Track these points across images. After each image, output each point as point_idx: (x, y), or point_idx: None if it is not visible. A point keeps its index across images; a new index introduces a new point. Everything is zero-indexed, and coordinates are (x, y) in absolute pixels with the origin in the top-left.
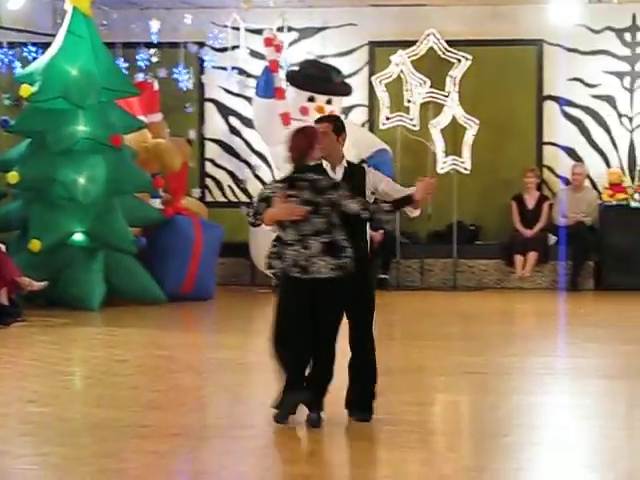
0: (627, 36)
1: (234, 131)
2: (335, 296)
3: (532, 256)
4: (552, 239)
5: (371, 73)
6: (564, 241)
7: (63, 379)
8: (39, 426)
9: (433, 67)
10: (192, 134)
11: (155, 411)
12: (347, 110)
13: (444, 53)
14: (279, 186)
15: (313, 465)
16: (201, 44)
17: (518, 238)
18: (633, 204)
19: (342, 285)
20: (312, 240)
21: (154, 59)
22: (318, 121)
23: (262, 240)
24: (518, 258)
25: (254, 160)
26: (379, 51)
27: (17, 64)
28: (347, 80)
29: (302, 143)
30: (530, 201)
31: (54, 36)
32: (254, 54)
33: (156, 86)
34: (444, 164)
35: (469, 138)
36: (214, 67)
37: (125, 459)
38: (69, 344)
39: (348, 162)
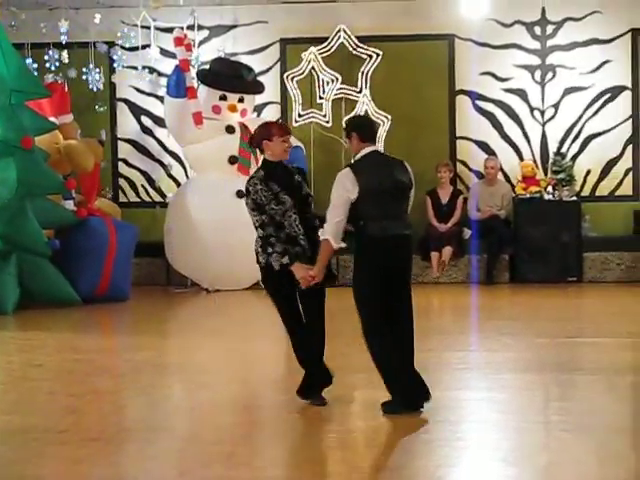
0: (537, 29)
1: (146, 131)
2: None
3: (447, 251)
4: (467, 233)
5: (283, 70)
6: (479, 235)
7: None
8: None
9: (344, 63)
10: (104, 134)
11: (72, 416)
12: (259, 108)
13: (355, 49)
14: None
15: (231, 467)
16: (111, 44)
17: (433, 233)
18: (546, 197)
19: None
20: None
21: (64, 59)
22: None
23: (176, 240)
24: (434, 255)
25: (167, 160)
26: (290, 48)
27: None
28: (259, 78)
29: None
30: (444, 196)
31: None
32: (165, 53)
33: (66, 87)
34: None
35: (382, 134)
36: (125, 67)
37: (42, 465)
38: None
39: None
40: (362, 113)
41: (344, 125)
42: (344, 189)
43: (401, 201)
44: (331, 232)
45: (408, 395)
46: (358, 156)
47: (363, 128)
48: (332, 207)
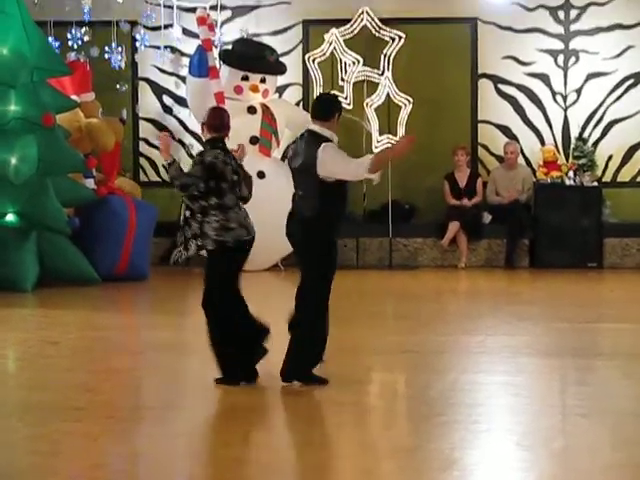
0: (561, 14)
1: (168, 110)
2: None
3: (455, 225)
4: (487, 217)
5: (305, 52)
6: (499, 219)
7: None
8: None
9: (367, 45)
10: (125, 113)
11: (88, 393)
12: (281, 89)
13: (378, 31)
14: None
15: (248, 448)
16: (134, 23)
17: (453, 213)
18: (567, 182)
19: None
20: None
21: (86, 38)
22: None
23: None
24: (452, 224)
25: (188, 140)
26: (313, 29)
27: None
28: (281, 59)
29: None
30: (461, 179)
31: None
32: (187, 33)
33: (88, 65)
34: (379, 143)
35: (403, 117)
36: (147, 46)
37: (57, 441)
38: (1, 326)
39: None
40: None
41: (332, 103)
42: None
43: None
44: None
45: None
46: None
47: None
48: (348, 161)
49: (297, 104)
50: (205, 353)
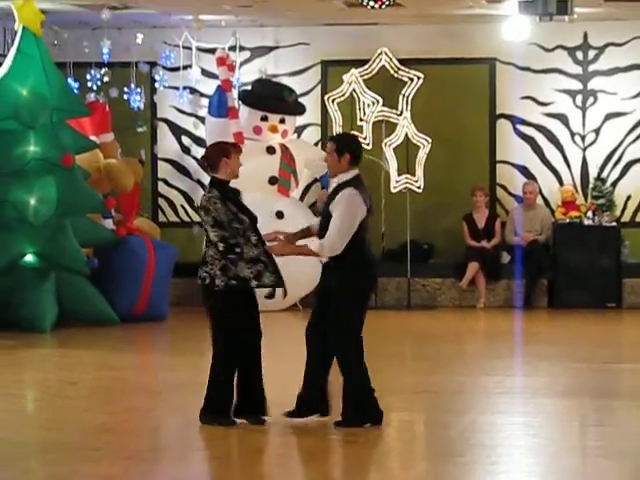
0: (579, 54)
1: (186, 151)
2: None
3: (474, 266)
4: (506, 257)
5: (324, 92)
6: (517, 259)
7: (13, 402)
8: None
9: (385, 86)
10: (144, 154)
11: (107, 434)
12: (300, 129)
13: (396, 72)
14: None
15: None
16: (153, 64)
17: (472, 254)
18: (586, 222)
19: (207, 295)
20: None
21: (105, 79)
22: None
23: None
24: (472, 265)
25: (207, 180)
26: (332, 70)
27: None
28: (300, 99)
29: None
30: (480, 220)
31: (4, 56)
32: (206, 73)
33: (107, 106)
34: (397, 183)
35: (422, 157)
36: (166, 87)
37: None
38: (20, 366)
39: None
40: (352, 133)
41: (336, 139)
42: (360, 208)
43: None
44: (331, 247)
45: None
46: (348, 177)
47: (358, 151)
48: (347, 224)
49: (316, 144)
50: None
